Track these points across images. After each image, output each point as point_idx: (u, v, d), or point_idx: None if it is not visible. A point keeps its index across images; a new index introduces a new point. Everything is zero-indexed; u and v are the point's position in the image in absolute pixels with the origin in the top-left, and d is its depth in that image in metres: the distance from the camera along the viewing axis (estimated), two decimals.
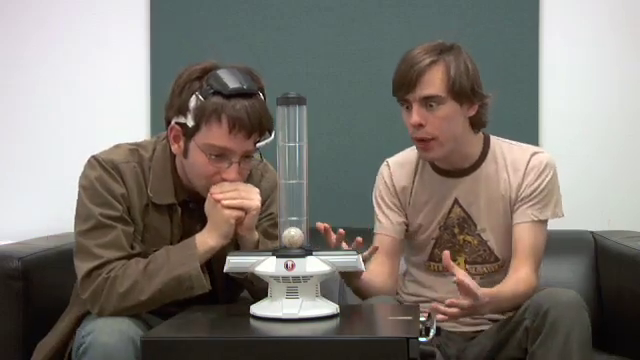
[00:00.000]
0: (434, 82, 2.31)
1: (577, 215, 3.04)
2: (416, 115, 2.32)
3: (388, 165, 2.53)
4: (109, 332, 2.04)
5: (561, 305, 2.15)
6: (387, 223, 2.49)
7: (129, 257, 2.17)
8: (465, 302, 2.15)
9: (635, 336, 2.58)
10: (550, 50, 3.14)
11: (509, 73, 3.11)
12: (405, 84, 2.32)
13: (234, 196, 2.14)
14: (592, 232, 2.98)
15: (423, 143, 2.35)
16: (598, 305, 2.80)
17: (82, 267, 2.17)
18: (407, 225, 2.50)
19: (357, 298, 2.67)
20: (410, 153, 2.52)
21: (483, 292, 2.19)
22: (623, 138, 3.16)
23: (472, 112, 2.38)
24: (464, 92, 2.33)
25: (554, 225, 2.60)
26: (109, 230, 2.18)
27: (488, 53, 3.11)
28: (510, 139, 2.53)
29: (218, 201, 2.15)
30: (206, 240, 2.16)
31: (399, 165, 2.51)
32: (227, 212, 2.14)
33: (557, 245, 2.83)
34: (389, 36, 3.11)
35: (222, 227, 2.15)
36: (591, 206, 3.13)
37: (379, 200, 2.51)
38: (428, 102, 2.31)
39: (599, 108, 3.16)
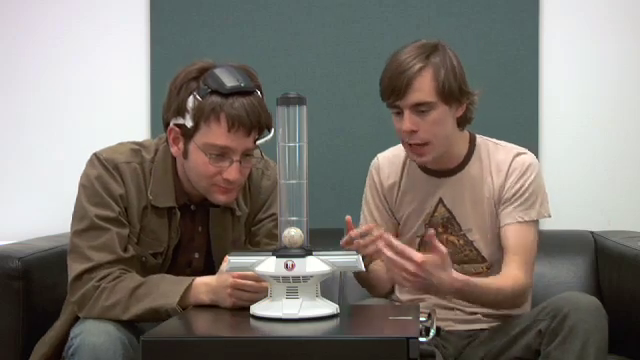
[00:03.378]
0: (424, 88, 2.30)
1: (577, 215, 3.05)
2: (408, 122, 2.31)
3: (378, 160, 2.54)
4: (97, 333, 2.06)
5: (582, 310, 2.15)
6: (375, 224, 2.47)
7: (121, 261, 2.18)
8: (416, 257, 2.06)
9: (635, 336, 2.58)
10: (550, 50, 3.14)
11: (509, 73, 3.11)
12: (395, 91, 2.31)
13: (245, 299, 2.06)
14: (592, 232, 2.98)
15: (416, 148, 2.35)
16: None
17: (74, 268, 2.18)
18: (397, 223, 2.50)
19: (357, 298, 2.67)
20: (401, 149, 2.51)
21: (457, 275, 2.16)
22: (623, 138, 3.16)
23: (460, 112, 2.37)
24: (453, 94, 2.32)
25: (554, 225, 2.61)
26: (103, 232, 2.18)
27: (488, 53, 3.11)
28: (510, 139, 2.52)
29: (233, 288, 2.07)
30: (201, 291, 2.12)
31: (388, 161, 2.52)
32: (232, 301, 2.08)
33: (557, 245, 2.84)
34: (389, 36, 3.11)
35: (220, 300, 2.10)
36: (591, 206, 3.13)
37: (369, 198, 2.52)
38: (419, 108, 2.30)
39: (599, 108, 3.16)
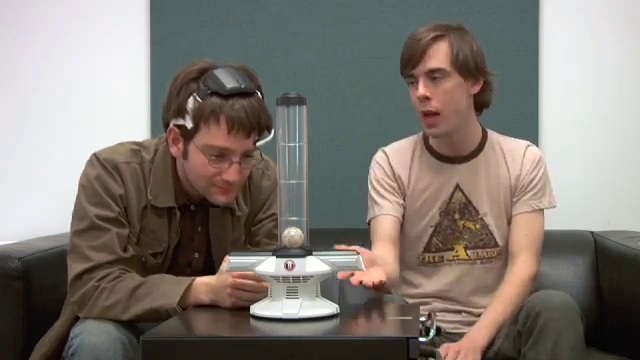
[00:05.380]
0: (439, 55, 2.36)
1: (577, 215, 3.05)
2: (422, 87, 2.36)
3: (384, 152, 2.54)
4: (97, 333, 2.06)
5: (553, 308, 2.16)
6: (387, 204, 2.49)
7: (121, 261, 2.18)
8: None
9: (635, 336, 2.58)
10: (550, 50, 3.14)
11: (509, 73, 3.11)
12: (411, 59, 2.37)
13: (245, 298, 2.05)
14: (592, 232, 2.98)
15: (429, 118, 2.38)
16: (598, 305, 2.80)
17: (74, 268, 2.18)
18: (404, 209, 2.50)
19: (357, 298, 2.67)
20: (405, 142, 2.55)
21: (472, 335, 2.31)
22: (623, 138, 3.16)
23: (476, 89, 2.42)
24: (468, 66, 2.37)
25: (554, 225, 2.60)
26: (103, 232, 2.18)
27: (488, 53, 3.09)
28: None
29: (233, 288, 2.06)
30: (201, 291, 2.12)
31: (395, 152, 2.54)
32: (232, 301, 2.07)
33: (557, 245, 2.84)
34: (389, 36, 3.11)
35: (220, 300, 2.09)
36: (591, 206, 3.13)
37: (375, 184, 2.51)
38: (433, 75, 2.36)
39: (599, 108, 3.16)
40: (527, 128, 3.11)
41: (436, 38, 2.36)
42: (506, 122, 3.00)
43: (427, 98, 2.36)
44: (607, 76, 3.16)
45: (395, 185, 2.50)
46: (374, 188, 2.52)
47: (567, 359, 2.11)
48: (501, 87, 3.02)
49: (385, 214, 2.48)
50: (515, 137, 2.58)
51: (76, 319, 2.20)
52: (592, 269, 2.87)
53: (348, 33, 3.15)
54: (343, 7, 3.15)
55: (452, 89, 2.37)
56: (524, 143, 2.53)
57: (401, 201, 2.50)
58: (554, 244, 2.77)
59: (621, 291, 2.70)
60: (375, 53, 3.12)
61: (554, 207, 2.51)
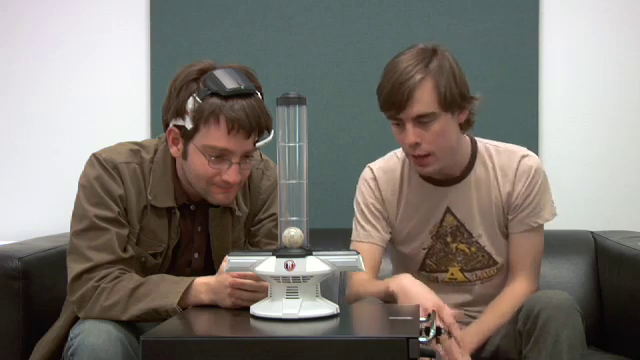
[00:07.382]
0: (425, 99, 2.24)
1: (577, 215, 3.05)
2: (411, 135, 2.26)
3: (372, 171, 2.47)
4: (96, 333, 2.05)
5: (551, 307, 2.14)
6: (373, 232, 2.44)
7: (120, 261, 2.18)
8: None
9: (634, 336, 2.58)
10: (550, 50, 3.14)
11: (509, 73, 3.11)
12: (396, 103, 2.25)
13: (245, 298, 2.05)
14: (592, 232, 2.98)
15: (420, 159, 2.30)
16: (598, 305, 2.80)
17: (73, 268, 2.18)
18: (391, 234, 2.46)
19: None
20: (393, 160, 2.47)
21: (471, 339, 2.28)
22: (623, 138, 3.16)
23: (463, 117, 2.32)
24: (455, 102, 2.26)
25: (554, 225, 2.60)
26: (102, 233, 2.18)
27: (488, 53, 3.11)
28: (510, 139, 2.52)
29: (233, 288, 2.06)
30: (201, 291, 2.11)
31: (383, 172, 2.46)
32: (232, 300, 2.07)
33: (557, 245, 2.84)
34: (389, 36, 3.11)
35: (219, 300, 2.09)
36: (591, 206, 3.14)
37: (363, 208, 2.45)
38: (421, 119, 2.25)
39: (599, 108, 3.16)
40: (527, 129, 3.11)
41: (421, 80, 2.23)
42: (506, 123, 3.01)
43: (417, 144, 2.27)
44: (607, 76, 3.16)
45: (383, 210, 2.44)
46: (361, 211, 2.45)
47: (567, 357, 2.11)
48: (501, 88, 3.03)
49: (371, 243, 2.43)
50: (515, 138, 2.53)
51: (76, 319, 2.20)
52: (592, 269, 2.87)
53: (348, 33, 3.15)
54: (343, 7, 3.15)
55: (442, 129, 2.26)
56: (518, 154, 2.41)
57: (388, 228, 2.44)
58: (554, 244, 2.77)
59: (621, 291, 2.70)
60: (375, 53, 3.12)
61: (555, 215, 2.44)
